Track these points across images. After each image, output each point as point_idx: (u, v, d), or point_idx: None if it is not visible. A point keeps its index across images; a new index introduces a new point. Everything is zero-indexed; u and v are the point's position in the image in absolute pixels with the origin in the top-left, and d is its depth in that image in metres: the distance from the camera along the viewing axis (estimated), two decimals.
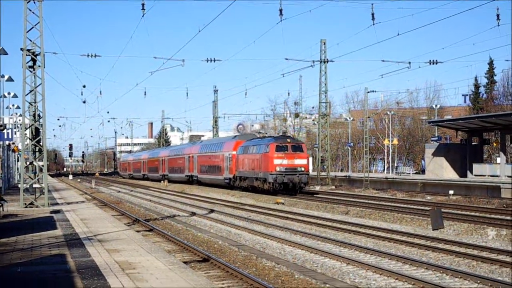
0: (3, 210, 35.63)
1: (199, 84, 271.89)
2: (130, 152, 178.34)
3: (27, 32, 38.31)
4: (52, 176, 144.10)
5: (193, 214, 42.05)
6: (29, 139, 40.39)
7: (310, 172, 67.41)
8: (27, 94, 39.19)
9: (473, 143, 68.10)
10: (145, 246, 21.52)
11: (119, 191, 78.07)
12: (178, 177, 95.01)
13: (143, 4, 39.04)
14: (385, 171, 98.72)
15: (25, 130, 41.23)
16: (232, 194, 61.88)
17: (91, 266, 17.16)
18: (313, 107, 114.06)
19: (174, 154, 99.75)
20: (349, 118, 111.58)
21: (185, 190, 74.05)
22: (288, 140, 58.29)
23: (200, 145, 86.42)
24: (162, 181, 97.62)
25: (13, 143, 69.56)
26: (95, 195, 67.10)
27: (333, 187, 72.47)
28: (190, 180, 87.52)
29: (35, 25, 38.33)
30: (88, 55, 50.45)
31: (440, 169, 68.72)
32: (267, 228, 32.99)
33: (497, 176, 61.16)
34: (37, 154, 40.84)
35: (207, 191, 69.43)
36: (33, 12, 38.20)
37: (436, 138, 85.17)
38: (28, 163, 41.38)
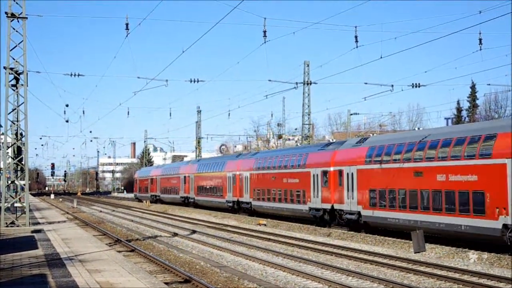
0: None
1: (182, 104, 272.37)
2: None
3: (10, 50, 38.22)
4: (33, 195, 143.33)
5: (175, 234, 41.90)
6: (11, 157, 40.21)
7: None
8: (10, 113, 39.04)
9: None
10: (126, 267, 21.42)
11: (100, 211, 77.68)
12: (288, 210, 50.99)
13: (127, 24, 39.08)
14: None
15: (7, 149, 41.03)
16: (214, 215, 61.74)
17: (71, 286, 17.06)
18: (296, 129, 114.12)
19: (278, 167, 52.88)
20: (332, 140, 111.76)
21: (167, 211, 73.78)
22: None
23: (345, 149, 43.77)
24: (145, 202, 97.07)
25: None
26: (76, 214, 66.74)
27: None
28: (316, 218, 46.00)
29: (19, 43, 38.27)
30: (71, 74, 50.27)
31: None
32: (249, 250, 32.91)
33: None
34: (18, 173, 40.65)
35: (189, 212, 69.25)
36: (16, 31, 38.16)
37: None
38: (9, 182, 41.13)
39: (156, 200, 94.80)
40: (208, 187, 71.48)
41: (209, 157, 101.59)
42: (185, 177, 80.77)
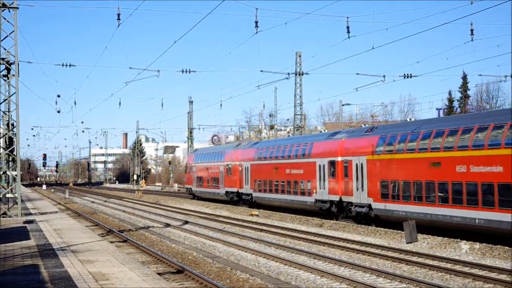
0: None
1: (174, 95, 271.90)
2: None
3: (1, 40, 38.09)
4: (25, 186, 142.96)
5: (168, 225, 41.91)
6: (3, 148, 40.09)
7: None
8: (1, 103, 38.96)
9: None
10: (119, 257, 21.41)
11: (93, 202, 77.60)
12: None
13: (118, 15, 38.90)
14: None
15: None
16: (206, 205, 61.74)
17: (64, 276, 17.04)
18: (288, 119, 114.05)
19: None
20: (324, 130, 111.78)
21: (159, 201, 73.72)
22: None
23: None
24: (137, 192, 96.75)
25: None
26: (68, 205, 66.68)
27: None
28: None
29: (10, 33, 38.15)
30: (63, 65, 50.09)
31: None
32: (242, 240, 32.96)
33: None
34: (10, 163, 40.54)
35: (181, 202, 69.21)
36: (7, 21, 38.00)
37: None
38: (1, 172, 41.05)
39: (237, 200, 61.25)
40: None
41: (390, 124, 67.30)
42: (332, 162, 42.32)
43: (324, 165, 42.99)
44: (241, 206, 58.34)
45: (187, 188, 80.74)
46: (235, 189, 61.33)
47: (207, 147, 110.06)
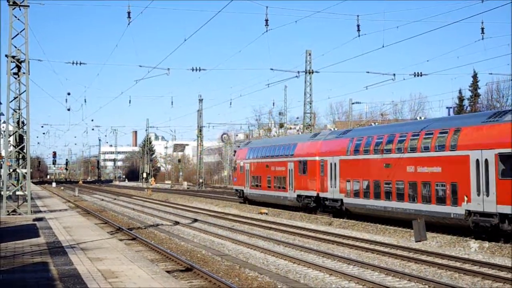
0: None
1: (184, 93, 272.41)
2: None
3: (12, 38, 38.16)
4: (35, 183, 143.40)
5: (177, 223, 41.95)
6: (13, 146, 40.20)
7: None
8: (11, 101, 39.01)
9: None
10: (128, 255, 21.45)
11: (102, 199, 77.75)
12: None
13: (129, 13, 38.97)
14: None
15: (8, 137, 41.03)
16: (215, 204, 61.75)
17: (73, 274, 17.08)
18: (297, 118, 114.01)
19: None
20: (334, 129, 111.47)
21: (168, 199, 73.80)
22: None
23: None
24: (146, 190, 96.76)
25: None
26: (78, 203, 66.82)
27: None
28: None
29: (20, 31, 38.20)
30: (73, 63, 50.20)
31: None
32: (251, 238, 32.96)
33: None
34: (20, 161, 40.65)
35: (191, 200, 69.27)
36: (18, 19, 38.07)
37: None
38: (11, 170, 41.16)
39: (314, 206, 48.13)
40: None
41: None
42: (505, 156, 29.08)
43: (486, 160, 29.32)
44: (320, 215, 45.76)
45: (236, 190, 64.48)
46: (312, 193, 47.75)
47: (264, 139, 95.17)
